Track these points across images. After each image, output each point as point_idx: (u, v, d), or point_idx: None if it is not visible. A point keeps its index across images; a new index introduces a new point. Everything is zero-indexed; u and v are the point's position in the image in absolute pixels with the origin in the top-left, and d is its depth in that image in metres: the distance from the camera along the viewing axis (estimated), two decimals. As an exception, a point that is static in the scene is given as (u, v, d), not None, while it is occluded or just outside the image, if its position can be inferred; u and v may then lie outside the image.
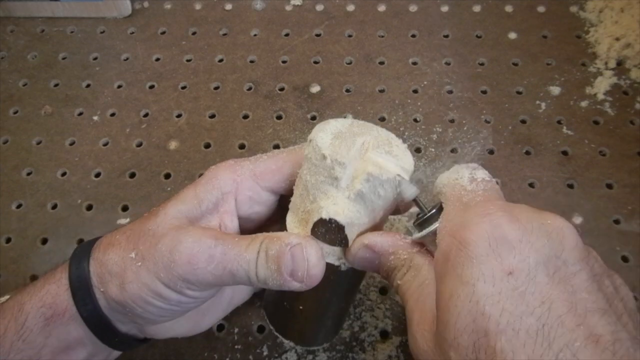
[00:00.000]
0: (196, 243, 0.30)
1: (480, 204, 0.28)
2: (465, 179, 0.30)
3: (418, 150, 0.50)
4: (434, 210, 0.30)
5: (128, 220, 0.47)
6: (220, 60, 0.57)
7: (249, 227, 0.36)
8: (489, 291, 0.24)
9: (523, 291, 0.24)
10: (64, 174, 0.51)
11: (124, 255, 0.31)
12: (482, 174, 0.30)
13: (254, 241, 0.31)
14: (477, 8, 0.59)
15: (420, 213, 0.31)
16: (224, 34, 0.59)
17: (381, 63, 0.56)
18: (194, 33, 0.59)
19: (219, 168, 0.34)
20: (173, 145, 0.52)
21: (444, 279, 0.26)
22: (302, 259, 0.30)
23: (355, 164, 0.30)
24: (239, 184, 0.34)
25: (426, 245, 0.31)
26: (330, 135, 0.31)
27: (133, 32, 0.60)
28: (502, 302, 0.24)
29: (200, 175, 0.36)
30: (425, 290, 0.29)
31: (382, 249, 0.31)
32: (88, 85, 0.56)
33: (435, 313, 0.26)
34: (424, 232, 0.30)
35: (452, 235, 0.27)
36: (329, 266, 0.31)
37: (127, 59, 0.58)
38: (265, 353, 0.41)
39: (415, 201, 0.32)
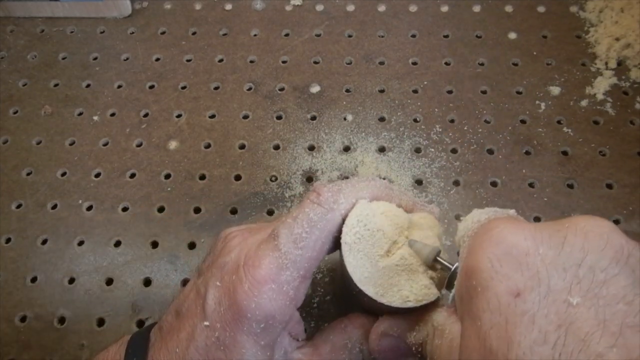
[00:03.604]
0: None
1: (483, 226, 0.24)
2: (476, 217, 0.27)
3: (418, 150, 0.50)
4: (457, 264, 0.28)
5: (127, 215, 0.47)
6: (220, 60, 0.57)
7: None
8: (496, 321, 0.20)
9: (533, 315, 0.20)
10: (64, 174, 0.51)
11: None
12: (495, 211, 0.27)
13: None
14: (477, 8, 0.59)
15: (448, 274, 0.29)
16: (224, 34, 0.59)
17: (381, 63, 0.56)
18: (194, 33, 0.59)
19: (271, 301, 0.29)
20: (173, 145, 0.52)
21: (463, 323, 0.23)
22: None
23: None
24: (296, 299, 0.30)
25: None
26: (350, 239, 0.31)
27: (133, 32, 0.60)
28: (509, 332, 0.20)
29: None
30: (454, 345, 0.26)
31: (400, 329, 0.29)
32: (88, 85, 0.56)
33: None
34: (454, 289, 0.27)
35: (461, 270, 0.24)
36: None
37: (127, 59, 0.58)
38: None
39: (436, 261, 0.30)
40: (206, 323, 0.29)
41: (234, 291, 0.29)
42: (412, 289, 0.30)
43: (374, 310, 0.32)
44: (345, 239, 0.31)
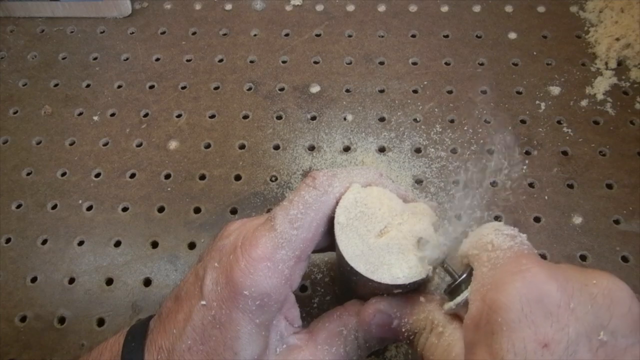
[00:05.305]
0: None
1: (511, 259, 0.24)
2: (490, 236, 0.27)
3: (418, 150, 0.50)
4: (464, 275, 0.28)
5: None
6: (220, 60, 0.57)
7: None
8: None
9: None
10: (64, 174, 0.51)
11: None
12: (508, 229, 0.27)
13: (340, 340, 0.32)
14: (477, 8, 0.59)
15: (450, 281, 0.29)
16: (224, 34, 0.59)
17: (381, 63, 0.56)
18: (194, 33, 0.59)
19: (266, 278, 0.29)
20: (173, 145, 0.52)
21: (474, 349, 0.23)
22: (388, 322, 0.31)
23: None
24: (291, 280, 0.30)
25: (460, 314, 0.29)
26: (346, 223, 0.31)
27: (133, 32, 0.60)
28: None
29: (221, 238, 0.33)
30: (452, 353, 0.27)
31: (399, 312, 0.30)
32: (88, 85, 0.56)
33: None
34: (457, 299, 0.28)
35: (482, 298, 0.24)
36: None
37: (127, 59, 0.58)
38: None
39: (443, 267, 0.30)
40: (203, 302, 0.29)
41: (231, 269, 0.29)
42: (402, 268, 0.30)
43: (366, 293, 0.33)
44: (338, 219, 0.31)
